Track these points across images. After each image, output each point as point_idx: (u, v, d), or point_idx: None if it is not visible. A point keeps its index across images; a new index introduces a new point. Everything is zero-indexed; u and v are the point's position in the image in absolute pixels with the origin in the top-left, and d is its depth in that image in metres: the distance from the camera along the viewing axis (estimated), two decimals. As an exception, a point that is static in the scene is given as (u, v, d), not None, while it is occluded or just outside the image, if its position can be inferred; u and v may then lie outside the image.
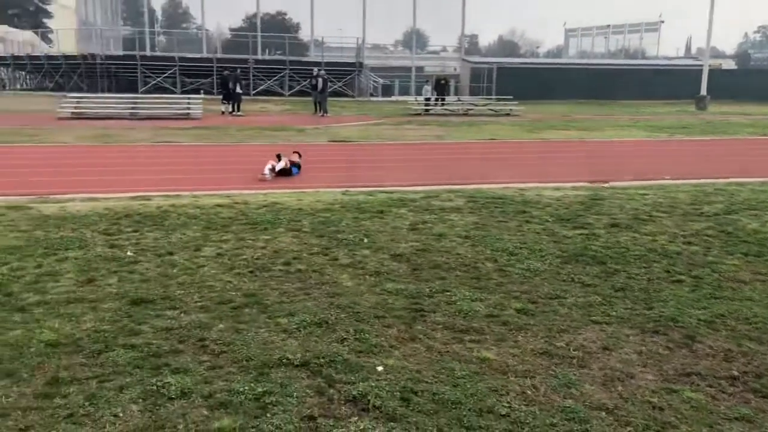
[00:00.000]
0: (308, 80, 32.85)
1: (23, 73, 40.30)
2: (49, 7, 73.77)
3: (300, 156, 13.27)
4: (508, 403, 3.76)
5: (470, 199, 10.01)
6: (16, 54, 39.55)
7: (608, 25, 68.73)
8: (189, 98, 27.36)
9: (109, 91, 35.08)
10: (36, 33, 52.16)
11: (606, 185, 11.79)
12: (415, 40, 49.50)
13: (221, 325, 4.83)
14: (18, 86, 40.45)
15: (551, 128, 24.76)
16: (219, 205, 9.33)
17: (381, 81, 41.95)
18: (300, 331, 4.74)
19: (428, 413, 3.62)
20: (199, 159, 15.35)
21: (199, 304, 5.29)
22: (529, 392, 3.90)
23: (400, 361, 4.27)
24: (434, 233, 7.76)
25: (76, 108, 24.98)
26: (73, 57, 36.65)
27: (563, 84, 42.96)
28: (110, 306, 5.20)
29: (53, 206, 9.12)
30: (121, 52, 38.17)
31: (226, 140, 19.14)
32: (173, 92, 34.50)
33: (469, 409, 3.67)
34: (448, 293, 5.62)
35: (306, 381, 3.97)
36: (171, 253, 6.74)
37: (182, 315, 5.04)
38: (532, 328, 4.91)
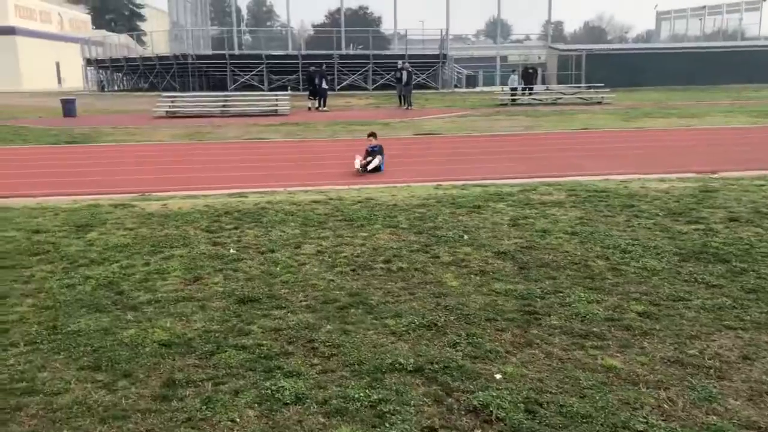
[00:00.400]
0: (392, 73, 32.76)
1: (120, 74, 42.20)
2: (142, 11, 77.23)
3: (376, 136, 13.10)
4: (644, 417, 3.45)
5: (570, 193, 9.58)
6: (113, 57, 41.49)
7: (704, 6, 65.05)
8: (277, 95, 27.81)
9: (200, 89, 36.23)
10: (131, 36, 54.65)
11: (714, 176, 11.04)
12: (500, 28, 48.52)
13: (328, 326, 4.73)
14: (115, 87, 42.40)
15: (647, 116, 23.64)
16: (314, 202, 9.33)
17: (465, 72, 41.37)
18: (409, 333, 4.57)
19: (557, 427, 3.37)
20: (290, 155, 15.51)
21: (305, 303, 5.22)
22: (665, 406, 3.57)
23: (519, 368, 4.03)
24: (537, 229, 7.43)
25: (170, 107, 25.89)
26: (167, 57, 38.04)
27: (656, 70, 41.02)
28: (218, 305, 5.21)
29: (155, 204, 9.36)
30: (210, 52, 39.31)
31: (314, 136, 19.30)
32: (260, 89, 35.24)
33: (602, 424, 3.38)
34: (561, 294, 5.31)
35: (422, 388, 3.80)
36: (272, 251, 6.73)
37: (289, 315, 4.97)
38: (658, 333, 4.54)
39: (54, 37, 54.07)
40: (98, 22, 71.31)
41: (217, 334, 4.60)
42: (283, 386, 3.80)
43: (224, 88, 35.59)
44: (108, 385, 3.89)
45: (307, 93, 29.24)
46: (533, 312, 4.93)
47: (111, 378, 3.97)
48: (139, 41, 56.93)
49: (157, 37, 45.26)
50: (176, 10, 46.11)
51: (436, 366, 4.04)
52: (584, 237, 7.06)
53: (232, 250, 6.78)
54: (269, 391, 3.75)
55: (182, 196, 10.06)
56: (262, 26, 79.94)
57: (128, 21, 74.75)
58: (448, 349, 4.31)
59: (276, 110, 26.10)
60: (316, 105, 28.44)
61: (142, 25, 72.28)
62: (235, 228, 7.76)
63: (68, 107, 26.04)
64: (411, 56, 36.10)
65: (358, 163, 12.27)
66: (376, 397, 3.67)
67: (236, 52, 37.95)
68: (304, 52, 37.54)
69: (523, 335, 4.53)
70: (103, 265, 6.31)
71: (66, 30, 59.54)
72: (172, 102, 26.57)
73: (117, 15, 76.40)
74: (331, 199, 9.57)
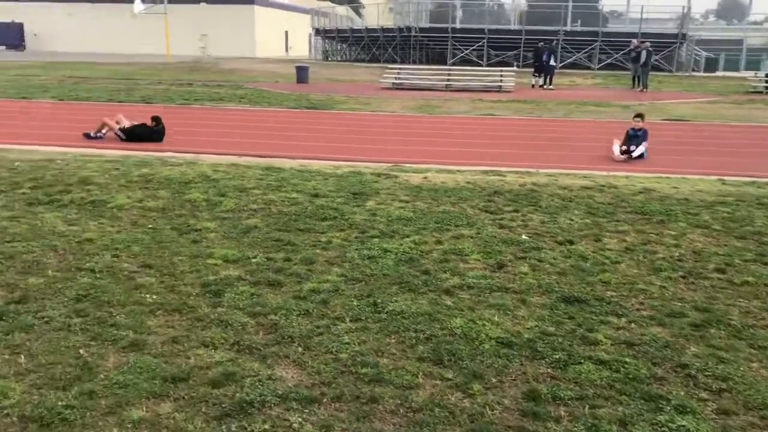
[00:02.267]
0: (626, 52, 30.33)
1: (344, 44, 43.72)
2: (362, -16, 79.78)
3: (643, 118, 11.68)
4: None
5: None
6: (340, 27, 43.09)
7: None
8: (502, 71, 26.90)
9: (420, 62, 36.34)
10: (354, 10, 56.59)
11: None
12: (753, 6, 43.07)
13: (693, 348, 3.89)
14: (338, 57, 44.06)
15: None
16: (586, 188, 8.45)
17: (704, 54, 37.32)
18: (813, 375, 3.59)
19: None
20: (528, 134, 14.63)
21: (645, 313, 4.42)
22: None
23: None
24: None
25: (396, 78, 26.07)
26: (390, 30, 38.59)
27: None
28: (540, 301, 4.59)
29: (414, 176, 9.04)
30: (429, 25, 39.27)
31: (547, 115, 18.21)
32: (479, 65, 34.51)
33: None
34: None
35: None
36: (570, 242, 6.00)
37: (632, 325, 4.21)
38: None
39: (285, 7, 57.54)
40: (321, -5, 74.86)
41: (559, 339, 3.97)
42: (683, 425, 3.05)
43: (443, 62, 35.33)
44: (461, 386, 3.41)
45: (532, 70, 28.00)
46: None
47: (461, 378, 3.49)
48: (358, 13, 58.76)
49: (375, 9, 46.30)
50: (399, -18, 46.71)
51: None
52: None
53: (524, 236, 6.15)
54: (666, 430, 3.03)
55: (437, 169, 9.67)
56: (474, 0, 78.91)
57: (349, -7, 77.65)
58: None
59: (500, 86, 25.24)
60: (540, 83, 27.13)
61: (361, -2, 74.66)
62: (515, 211, 7.13)
63: (301, 74, 27.25)
64: (644, 35, 33.16)
65: (617, 149, 11.12)
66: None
67: (458, 25, 37.42)
68: (527, 27, 36.02)
69: None
70: (395, 238, 5.98)
71: (295, 1, 63.18)
72: (398, 74, 26.74)
73: (339, -12, 79.61)
74: (603, 186, 8.62)
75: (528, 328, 4.11)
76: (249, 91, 22.84)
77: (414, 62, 35.82)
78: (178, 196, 7.29)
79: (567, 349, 3.82)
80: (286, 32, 56.58)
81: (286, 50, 55.74)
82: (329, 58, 43.74)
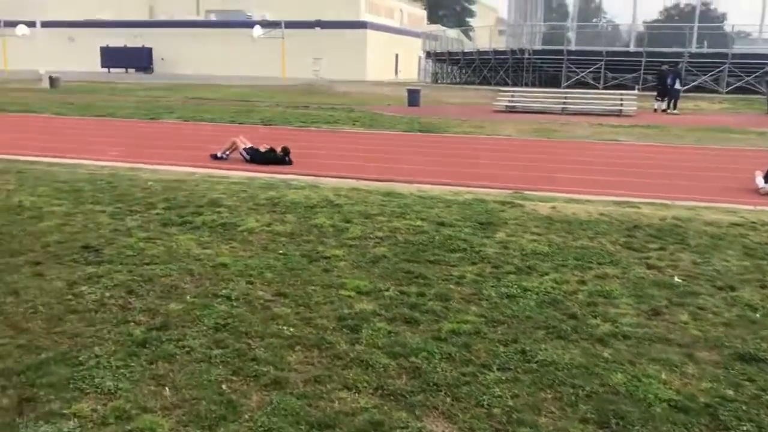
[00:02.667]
0: (760, 75, 28.35)
1: (454, 67, 43.63)
2: (473, 7, 79.87)
3: None
4: None
5: None
6: (450, 50, 43.09)
7: None
8: (622, 94, 25.82)
9: (533, 85, 35.60)
10: (464, 33, 56.51)
11: None
12: None
13: None
14: (447, 80, 44.01)
15: None
16: (735, 224, 7.70)
17: None
18: None
19: None
20: (657, 161, 13.74)
21: (839, 379, 3.82)
22: None
23: None
24: None
25: (510, 101, 25.59)
26: (503, 52, 38.11)
27: None
28: (710, 357, 4.08)
29: (541, 205, 8.59)
30: (541, 47, 38.48)
31: (675, 141, 17.15)
32: (595, 87, 33.34)
33: None
34: None
35: None
36: (732, 288, 5.39)
37: (827, 395, 3.64)
38: None
39: (395, 30, 58.29)
40: (431, 17, 75.47)
41: (743, 407, 3.46)
42: None
43: (556, 85, 34.43)
44: (636, 458, 3.01)
45: (655, 93, 26.69)
46: None
47: (636, 449, 3.08)
48: (467, 36, 58.64)
49: (483, 32, 45.90)
50: (512, 6, 46.19)
51: None
52: None
53: (677, 279, 5.60)
54: None
55: (564, 198, 9.18)
56: (588, 22, 76.88)
57: (458, 17, 77.88)
58: None
59: (620, 110, 24.21)
60: (663, 107, 25.82)
61: (471, 21, 74.68)
62: (661, 248, 6.56)
63: (413, 97, 27.33)
64: (779, 57, 30.95)
65: (761, 180, 10.23)
66: None
67: (573, 48, 36.41)
68: (648, 49, 34.46)
69: None
70: (532, 275, 5.61)
71: (405, 25, 63.95)
72: (512, 97, 26.26)
73: (449, 11, 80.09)
74: (754, 223, 7.84)
75: (702, 390, 3.63)
76: (362, 113, 23.08)
77: (526, 85, 35.13)
78: (304, 220, 7.25)
79: (755, 420, 3.33)
80: (396, 55, 57.25)
81: (396, 73, 56.35)
82: (439, 81, 43.76)
